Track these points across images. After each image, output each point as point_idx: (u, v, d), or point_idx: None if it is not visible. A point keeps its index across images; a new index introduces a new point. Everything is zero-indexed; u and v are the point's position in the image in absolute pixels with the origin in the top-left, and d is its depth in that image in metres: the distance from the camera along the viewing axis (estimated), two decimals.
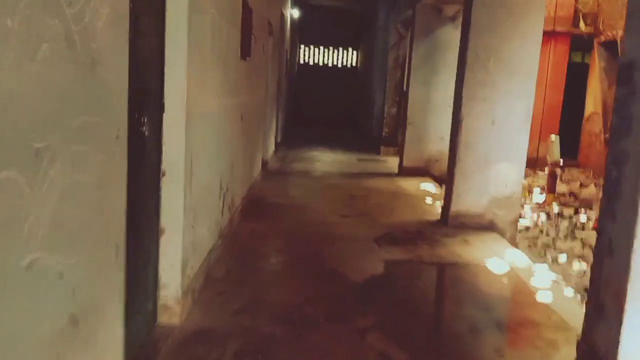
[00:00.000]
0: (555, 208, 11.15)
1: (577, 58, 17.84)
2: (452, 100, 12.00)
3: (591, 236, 9.28)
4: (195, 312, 4.75)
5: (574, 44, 17.00)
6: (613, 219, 3.73)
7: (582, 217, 10.50)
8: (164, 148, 4.23)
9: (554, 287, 5.91)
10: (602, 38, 16.07)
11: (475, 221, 7.96)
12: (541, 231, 9.61)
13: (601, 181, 14.74)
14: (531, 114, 7.88)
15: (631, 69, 3.68)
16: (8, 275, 2.00)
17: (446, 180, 8.40)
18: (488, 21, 7.68)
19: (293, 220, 8.14)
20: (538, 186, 13.34)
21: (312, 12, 22.50)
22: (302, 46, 26.94)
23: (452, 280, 6.10)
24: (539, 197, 12.12)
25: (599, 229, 3.92)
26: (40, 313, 2.25)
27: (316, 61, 27.40)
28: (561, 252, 8.41)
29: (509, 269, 6.32)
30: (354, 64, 27.33)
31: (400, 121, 15.01)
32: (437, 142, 12.58)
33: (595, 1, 16.34)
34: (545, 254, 8.33)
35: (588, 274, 7.51)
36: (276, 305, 5.04)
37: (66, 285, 2.43)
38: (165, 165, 4.25)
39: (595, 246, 3.96)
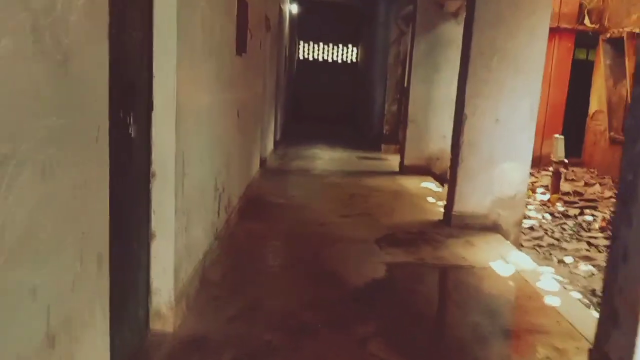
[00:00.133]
0: (560, 207, 10.97)
1: (581, 55, 17.64)
2: (454, 98, 11.99)
3: (597, 236, 9.12)
4: (189, 318, 4.57)
5: (578, 41, 16.82)
6: (628, 224, 3.52)
7: (588, 217, 10.31)
8: (153, 148, 4.02)
9: (561, 290, 5.71)
10: (608, 35, 15.88)
11: (478, 222, 7.76)
12: (546, 231, 9.43)
13: (606, 180, 14.61)
14: (536, 113, 7.68)
15: None
16: None
17: (448, 179, 8.22)
18: (492, 17, 7.48)
19: (292, 220, 7.95)
20: (542, 185, 13.18)
21: (311, 7, 22.26)
22: (302, 42, 26.73)
23: (455, 283, 5.89)
24: (542, 196, 11.95)
25: (613, 234, 3.71)
26: (11, 333, 2.05)
27: (316, 57, 27.19)
28: (567, 253, 8.22)
29: (514, 271, 6.12)
30: (354, 60, 27.12)
31: (401, 119, 14.83)
32: (439, 141, 12.39)
33: None
34: (550, 255, 8.15)
35: (595, 276, 7.39)
36: (273, 310, 4.85)
37: (40, 301, 2.23)
38: (155, 166, 4.05)
39: (609, 252, 3.76)
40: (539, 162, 14.49)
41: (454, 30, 11.97)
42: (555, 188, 11.77)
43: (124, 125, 3.44)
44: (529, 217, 9.96)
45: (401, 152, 12.93)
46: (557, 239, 9.02)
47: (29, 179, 2.09)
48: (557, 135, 12.34)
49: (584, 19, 16.29)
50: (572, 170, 15.59)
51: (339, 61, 27.28)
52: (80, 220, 2.56)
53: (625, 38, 14.85)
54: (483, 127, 7.65)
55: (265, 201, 8.95)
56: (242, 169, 8.06)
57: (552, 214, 10.61)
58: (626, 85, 15.16)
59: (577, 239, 9.11)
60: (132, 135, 3.58)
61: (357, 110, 24.81)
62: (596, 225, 9.75)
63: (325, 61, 27.23)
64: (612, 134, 15.84)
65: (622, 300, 3.53)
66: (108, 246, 2.94)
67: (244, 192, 8.39)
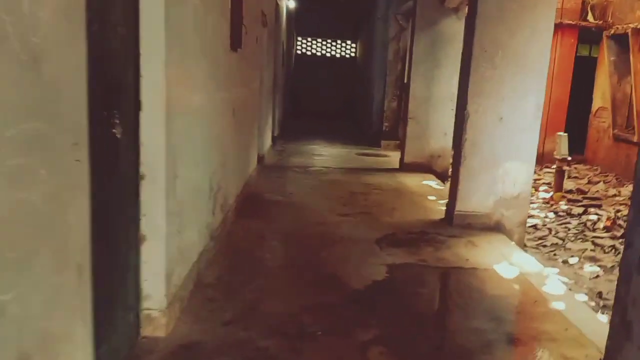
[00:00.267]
0: (564, 206, 10.81)
1: (584, 51, 17.50)
2: (455, 94, 11.85)
3: (602, 236, 8.95)
4: (182, 323, 4.40)
5: (581, 37, 16.69)
6: None
7: (592, 216, 10.15)
8: (142, 149, 3.84)
9: (567, 294, 5.53)
10: (612, 31, 15.72)
11: (481, 221, 7.58)
12: (550, 231, 9.26)
13: (610, 178, 14.46)
14: (541, 111, 7.49)
15: None
16: None
17: (450, 178, 8.05)
18: (495, 12, 7.28)
19: (290, 219, 7.77)
20: (544, 183, 13.03)
21: (309, 2, 22.09)
22: (300, 38, 26.61)
23: (459, 286, 5.70)
24: (545, 194, 11.79)
25: (627, 241, 3.53)
26: None
27: (314, 53, 27.09)
28: (571, 254, 8.06)
29: (518, 273, 5.93)
30: (352, 56, 27.03)
31: (402, 115, 14.73)
32: (440, 138, 12.23)
33: None
34: (554, 256, 7.99)
35: (601, 278, 7.23)
36: (271, 314, 4.67)
37: (10, 320, 2.05)
38: (144, 168, 3.87)
39: (621, 260, 3.57)
40: (541, 159, 14.34)
41: (455, 26, 11.82)
42: (558, 186, 11.61)
43: (109, 126, 3.26)
44: (532, 216, 9.79)
45: (401, 149, 12.77)
46: (562, 239, 8.86)
47: None
48: (560, 133, 12.18)
49: (587, 14, 16.15)
50: (575, 168, 15.46)
51: (338, 57, 27.20)
52: (56, 230, 2.39)
53: (630, 34, 14.70)
54: (486, 125, 7.47)
55: (262, 199, 8.78)
56: (238, 166, 7.89)
57: (555, 213, 10.46)
58: (631, 82, 15.03)
59: (581, 238, 8.95)
60: (118, 136, 3.39)
61: (356, 106, 24.75)
62: (601, 225, 9.58)
63: (323, 56, 27.17)
64: (616, 131, 15.71)
65: (636, 312, 3.35)
66: (89, 255, 2.77)
67: (241, 190, 8.23)
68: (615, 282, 6.70)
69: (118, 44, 3.42)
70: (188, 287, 4.82)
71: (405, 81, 14.16)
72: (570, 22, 16.12)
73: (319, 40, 26.92)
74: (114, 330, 3.56)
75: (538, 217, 10.15)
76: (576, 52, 16.83)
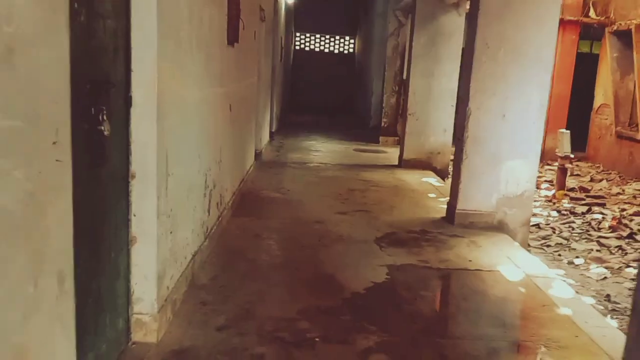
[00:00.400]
0: (566, 204, 10.65)
1: (585, 48, 17.35)
2: (455, 90, 11.72)
3: (608, 236, 8.78)
4: (175, 327, 4.23)
5: (581, 34, 16.56)
6: None
7: (596, 215, 9.98)
8: (132, 147, 3.66)
9: (575, 298, 5.34)
10: (615, 27, 15.57)
11: (483, 221, 7.41)
12: (554, 230, 9.09)
13: (612, 175, 14.32)
14: (545, 108, 7.34)
15: None
16: None
17: (452, 176, 7.88)
18: (499, 7, 7.10)
19: (287, 216, 7.60)
20: (546, 181, 12.87)
21: None
22: (298, 34, 26.50)
23: (462, 289, 5.50)
24: (547, 192, 11.63)
25: None
26: None
27: (312, 49, 27.02)
28: (577, 254, 7.89)
29: (524, 276, 5.74)
30: (351, 52, 26.90)
31: (401, 112, 14.63)
32: (440, 135, 12.08)
33: None
34: (559, 256, 7.81)
35: (608, 279, 7.06)
36: (266, 319, 4.48)
37: None
38: (134, 167, 3.68)
39: None
40: (542, 156, 14.13)
41: (456, 22, 11.74)
42: (560, 184, 11.45)
43: (96, 123, 3.08)
44: (535, 215, 9.62)
45: (400, 145, 12.62)
46: (566, 239, 8.70)
47: None
48: (562, 130, 12.02)
49: (589, 10, 16.00)
50: (577, 165, 15.32)
51: (336, 52, 27.14)
52: (33, 235, 2.19)
53: (633, 30, 14.56)
54: (489, 122, 7.30)
55: (259, 196, 8.62)
56: (235, 163, 7.72)
57: (558, 211, 10.29)
58: (634, 79, 14.90)
59: (586, 238, 8.79)
60: (106, 133, 3.20)
61: (354, 101, 24.79)
62: (606, 225, 9.41)
63: (321, 52, 27.14)
64: (618, 128, 15.59)
65: None
66: (72, 260, 2.57)
67: (238, 187, 8.07)
68: (624, 285, 6.56)
69: (107, 37, 3.23)
70: (181, 289, 4.65)
71: (405, 77, 14.07)
72: (572, 18, 15.98)
73: (318, 36, 26.81)
74: (101, 337, 3.39)
75: (540, 215, 9.99)
76: (577, 48, 16.68)
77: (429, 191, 9.79)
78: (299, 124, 19.45)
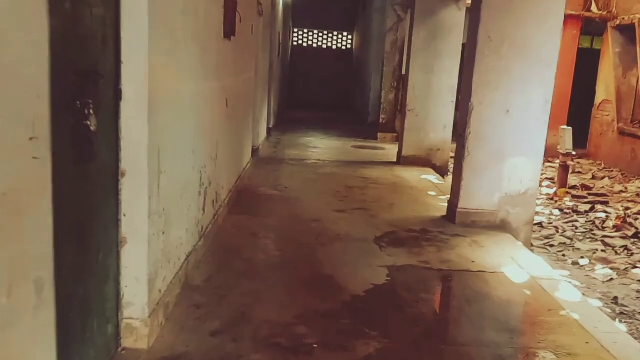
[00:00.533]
0: (569, 202, 10.48)
1: (585, 43, 17.20)
2: (456, 86, 11.57)
3: (613, 236, 8.62)
4: (167, 332, 4.05)
5: (582, 29, 16.39)
6: None
7: (600, 214, 9.82)
8: (122, 143, 3.47)
9: (583, 301, 5.16)
10: (617, 22, 15.42)
11: (485, 219, 7.23)
12: (557, 229, 8.92)
13: (615, 173, 14.17)
14: (550, 103, 7.14)
15: None
16: None
17: (453, 173, 7.70)
18: (502, 1, 6.93)
19: (284, 214, 7.43)
20: (547, 178, 12.72)
21: None
22: (296, 29, 26.40)
23: (466, 292, 5.29)
24: (548, 190, 11.48)
25: None
26: None
27: (310, 44, 26.92)
28: (581, 254, 7.72)
29: (529, 278, 5.55)
30: (349, 47, 26.79)
31: (400, 107, 14.51)
32: (439, 131, 11.92)
33: None
34: (563, 257, 7.64)
35: (614, 281, 6.89)
36: (262, 323, 4.30)
37: None
38: (125, 164, 3.50)
39: None
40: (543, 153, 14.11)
41: (456, 16, 11.58)
42: (562, 181, 11.28)
43: (81, 118, 2.89)
44: (537, 213, 9.46)
45: (399, 142, 12.46)
46: (570, 238, 8.53)
47: None
48: (564, 127, 11.86)
49: (590, 5, 15.85)
50: (578, 162, 15.18)
51: (334, 48, 27.05)
52: (6, 242, 2.00)
53: (637, 25, 14.41)
54: (492, 118, 7.12)
55: (256, 194, 8.44)
56: (231, 160, 7.55)
57: (561, 210, 10.13)
58: (637, 74, 14.78)
59: (590, 238, 8.62)
60: (93, 129, 3.01)
61: (352, 97, 24.74)
62: (610, 224, 9.24)
63: (319, 48, 27.05)
64: (620, 124, 15.45)
65: None
66: (52, 267, 2.39)
67: (235, 185, 7.91)
68: (631, 287, 6.38)
69: (94, 26, 3.04)
70: (174, 291, 4.48)
71: (404, 72, 13.97)
72: (573, 12, 15.82)
73: (316, 31, 26.72)
74: (88, 343, 3.22)
75: (543, 214, 9.82)
76: (578, 44, 16.54)
77: (429, 189, 9.62)
78: (296, 120, 19.29)
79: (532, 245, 7.44)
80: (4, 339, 2.04)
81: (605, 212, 10.04)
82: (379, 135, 15.69)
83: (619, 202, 11.01)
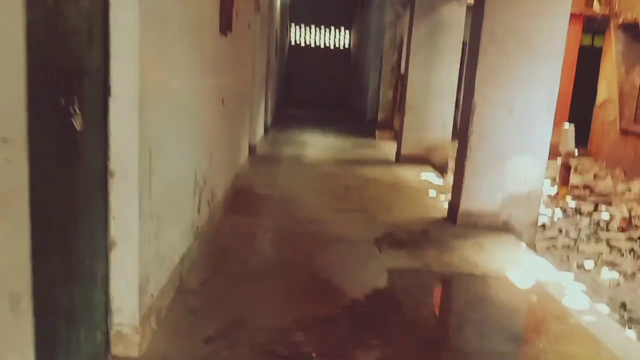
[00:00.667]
0: (571, 203, 10.32)
1: (586, 41, 17.05)
2: (455, 84, 11.43)
3: (618, 238, 8.45)
4: (159, 339, 3.88)
5: (583, 27, 16.27)
6: None
7: (604, 214, 9.66)
8: (111, 142, 3.29)
9: (592, 308, 4.97)
10: (620, 20, 15.28)
11: (488, 221, 7.07)
12: (560, 230, 8.76)
13: (617, 172, 14.02)
14: (555, 102, 6.98)
15: None
16: None
17: (454, 173, 7.53)
18: None
19: (282, 215, 7.26)
20: (548, 178, 12.57)
21: None
22: (294, 27, 26.27)
23: (469, 297, 5.12)
24: (549, 189, 11.32)
25: None
26: None
27: (308, 42, 26.81)
28: (586, 257, 7.56)
29: (535, 282, 5.38)
30: (346, 45, 26.68)
31: (398, 105, 14.40)
32: (439, 129, 11.80)
33: None
34: (567, 259, 7.48)
35: (621, 285, 6.72)
36: (259, 330, 4.12)
37: None
38: (114, 164, 3.32)
39: None
40: None
41: (457, 13, 11.48)
42: (564, 181, 11.12)
43: (66, 116, 2.72)
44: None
45: (398, 140, 12.33)
46: (573, 240, 8.37)
47: None
48: (566, 125, 11.68)
49: (592, 3, 15.70)
50: (579, 161, 15.03)
51: (332, 45, 27.03)
52: None
53: None
54: (494, 117, 6.96)
55: (253, 193, 8.28)
56: (228, 158, 7.40)
57: (563, 210, 9.97)
58: None
59: (595, 239, 8.46)
60: (78, 128, 2.83)
61: (350, 95, 24.66)
62: (615, 225, 9.07)
63: (317, 46, 26.98)
64: (623, 124, 15.33)
65: None
66: (29, 278, 2.22)
67: (231, 183, 7.77)
68: (639, 292, 6.21)
69: (80, 20, 2.87)
70: (167, 295, 4.32)
71: (403, 70, 13.82)
72: (575, 10, 15.68)
73: (314, 29, 26.63)
74: (74, 353, 3.05)
75: (545, 214, 9.66)
76: (580, 42, 16.42)
77: (429, 188, 9.48)
78: (294, 118, 19.18)
79: (535, 247, 7.28)
80: None
81: (609, 212, 9.88)
82: (377, 133, 15.59)
83: (623, 202, 10.86)
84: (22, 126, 2.06)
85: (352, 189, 9.05)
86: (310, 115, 20.56)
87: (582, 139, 16.02)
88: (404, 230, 6.85)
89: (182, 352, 3.76)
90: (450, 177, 9.93)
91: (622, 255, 7.77)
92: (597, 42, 16.96)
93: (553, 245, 8.02)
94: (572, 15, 15.55)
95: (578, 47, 16.28)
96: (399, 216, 7.55)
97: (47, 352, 2.65)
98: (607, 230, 8.93)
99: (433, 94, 11.69)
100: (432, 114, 11.77)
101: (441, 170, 11.39)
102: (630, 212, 9.95)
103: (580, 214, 9.83)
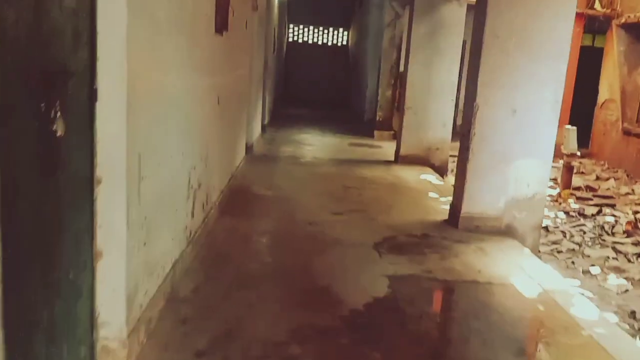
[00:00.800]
0: (574, 205, 10.15)
1: (587, 41, 16.90)
2: (455, 84, 11.27)
3: (624, 242, 8.27)
4: (149, 351, 3.70)
5: (585, 27, 16.12)
6: None
7: (608, 218, 9.48)
8: (97, 148, 3.10)
9: (602, 318, 4.77)
10: (622, 20, 15.14)
11: (490, 224, 6.90)
12: (564, 234, 8.58)
13: (619, 174, 13.86)
14: (560, 103, 6.84)
15: None
16: None
17: (456, 176, 7.37)
18: None
19: (278, 217, 7.10)
20: (550, 179, 12.44)
21: None
22: (292, 25, 26.13)
23: (473, 307, 4.91)
24: (551, 190, 11.16)
25: None
26: None
27: (306, 40, 26.68)
28: (592, 262, 7.39)
29: (541, 290, 5.19)
30: (345, 44, 26.54)
31: (397, 105, 14.24)
32: (439, 129, 11.62)
33: None
34: (573, 264, 7.30)
35: (630, 292, 6.53)
36: (253, 341, 3.93)
37: None
38: (100, 171, 3.13)
39: None
40: None
41: (457, 12, 11.32)
42: (566, 182, 10.97)
43: (47, 121, 2.54)
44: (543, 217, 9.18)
45: (397, 140, 12.15)
46: (578, 244, 8.19)
47: None
48: (568, 126, 11.53)
49: (594, 3, 15.54)
50: (580, 162, 14.88)
51: (330, 44, 26.85)
52: None
53: None
54: (497, 118, 6.79)
55: (249, 194, 8.11)
56: (223, 159, 7.23)
57: (566, 212, 9.79)
58: None
59: (600, 243, 8.28)
60: (59, 133, 2.65)
61: (348, 94, 24.53)
62: (620, 229, 8.90)
63: (315, 44, 26.82)
64: (625, 124, 15.19)
65: None
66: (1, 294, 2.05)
67: (227, 184, 7.60)
68: None
69: (64, 19, 2.68)
70: (158, 305, 4.13)
71: (402, 69, 13.65)
72: (577, 10, 15.54)
73: (312, 28, 26.48)
74: None
75: (547, 217, 9.49)
76: (581, 41, 16.27)
77: (429, 190, 9.31)
78: (292, 117, 18.98)
79: (539, 251, 7.10)
80: None
81: (613, 215, 9.72)
82: (376, 133, 15.42)
83: (627, 204, 10.69)
84: None
85: (350, 190, 8.88)
86: (308, 114, 20.40)
87: (584, 139, 15.91)
88: (404, 234, 6.69)
89: None
90: (450, 178, 9.78)
91: (629, 260, 7.59)
92: (598, 42, 16.80)
93: (557, 250, 7.84)
94: None
95: (579, 47, 16.12)
96: (399, 218, 7.39)
97: None
98: (613, 234, 8.75)
99: (433, 94, 11.53)
100: (431, 113, 11.61)
101: (441, 170, 11.24)
102: (635, 215, 9.77)
103: (584, 216, 9.65)
